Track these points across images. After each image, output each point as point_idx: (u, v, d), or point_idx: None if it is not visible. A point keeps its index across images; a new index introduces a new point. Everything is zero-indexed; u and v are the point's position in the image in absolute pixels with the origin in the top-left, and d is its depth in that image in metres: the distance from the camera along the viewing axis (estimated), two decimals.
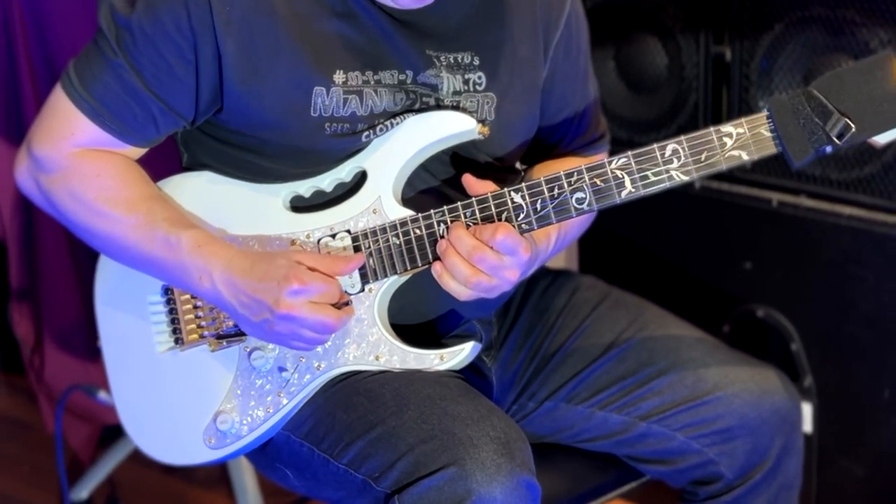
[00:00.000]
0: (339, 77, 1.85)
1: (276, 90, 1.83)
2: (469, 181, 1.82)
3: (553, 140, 2.08)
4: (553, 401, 2.05)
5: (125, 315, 1.97)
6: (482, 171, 1.92)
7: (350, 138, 1.87)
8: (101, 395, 2.64)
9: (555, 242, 1.96)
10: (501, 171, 1.99)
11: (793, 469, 2.02)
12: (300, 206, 1.90)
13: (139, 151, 1.91)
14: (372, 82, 1.86)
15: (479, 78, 1.93)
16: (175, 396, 1.94)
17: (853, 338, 2.55)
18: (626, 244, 2.91)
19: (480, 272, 1.78)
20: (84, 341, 2.92)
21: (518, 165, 2.07)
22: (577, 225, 2.03)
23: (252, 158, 1.90)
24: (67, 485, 2.63)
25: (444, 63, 1.90)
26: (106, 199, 1.86)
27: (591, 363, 2.04)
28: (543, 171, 2.02)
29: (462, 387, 1.87)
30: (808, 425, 2.62)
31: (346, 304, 1.84)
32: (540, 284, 2.14)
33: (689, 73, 2.72)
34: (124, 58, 1.82)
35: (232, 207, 1.91)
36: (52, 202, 1.90)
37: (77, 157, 1.87)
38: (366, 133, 1.88)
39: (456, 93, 1.91)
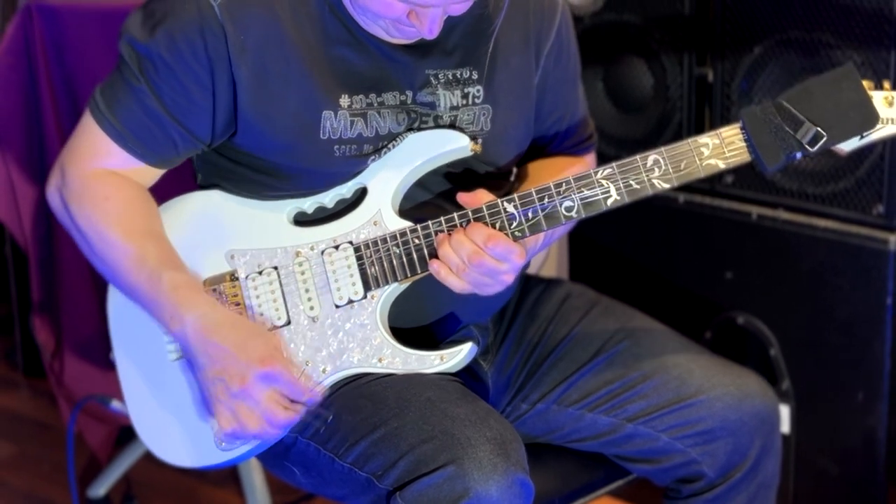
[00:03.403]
0: (344, 101, 1.85)
1: (286, 114, 1.83)
2: (463, 199, 1.83)
3: (545, 141, 2.08)
4: (545, 403, 2.04)
5: (137, 326, 1.96)
6: (479, 180, 1.93)
7: (357, 160, 1.88)
8: (114, 404, 2.64)
9: (542, 239, 1.96)
10: (497, 179, 1.99)
11: (771, 468, 2.01)
12: (303, 220, 1.90)
13: (160, 171, 1.91)
14: (375, 104, 1.87)
15: (478, 91, 1.93)
16: (187, 402, 1.93)
17: (829, 343, 2.55)
18: (615, 255, 2.90)
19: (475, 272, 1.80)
20: (101, 347, 2.90)
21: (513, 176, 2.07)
22: (562, 225, 2.03)
23: (263, 179, 1.90)
24: (77, 488, 2.62)
25: (441, 80, 1.90)
26: (108, 223, 1.86)
27: (580, 367, 2.03)
28: (536, 171, 2.04)
29: (460, 390, 1.86)
30: (786, 426, 2.61)
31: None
32: (533, 292, 2.14)
33: (673, 94, 2.72)
34: (146, 84, 1.83)
35: (239, 222, 1.91)
36: (73, 218, 1.90)
37: (91, 179, 1.87)
38: (371, 156, 1.88)
39: (453, 108, 1.91)
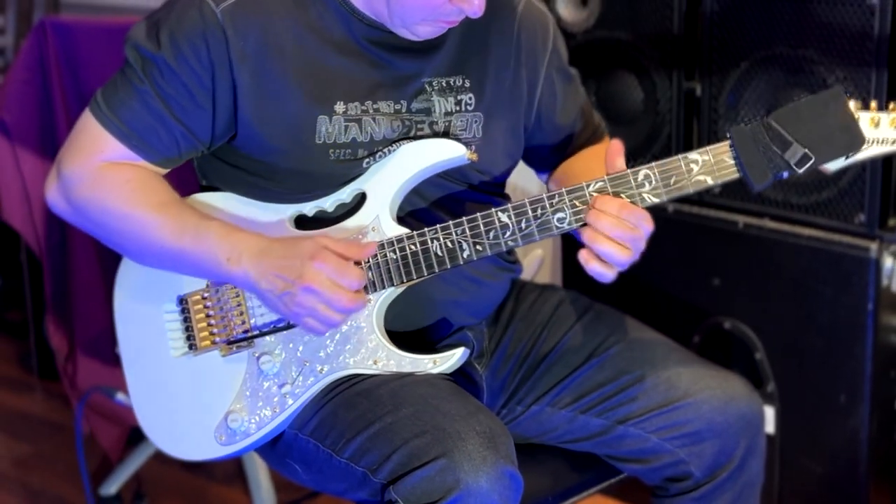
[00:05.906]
0: (339, 107, 1.85)
1: (283, 118, 1.84)
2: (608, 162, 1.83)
3: (570, 140, 2.10)
4: (539, 405, 2.04)
5: (142, 323, 1.97)
6: (473, 189, 1.94)
7: (352, 164, 1.88)
8: (119, 396, 2.64)
9: None
10: (491, 188, 1.99)
11: (756, 469, 2.01)
12: (304, 224, 1.90)
13: (161, 171, 1.91)
14: (370, 111, 1.87)
15: (470, 99, 1.93)
16: (189, 397, 1.94)
17: (812, 347, 2.55)
18: None
19: (623, 247, 1.79)
20: (112, 350, 2.92)
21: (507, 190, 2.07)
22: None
23: (262, 183, 1.90)
24: (90, 478, 2.62)
25: (435, 87, 1.90)
26: (136, 202, 1.86)
27: (573, 371, 2.03)
28: (569, 168, 2.07)
29: (452, 388, 1.87)
30: (771, 427, 2.61)
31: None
32: (528, 298, 2.14)
33: (663, 107, 2.71)
34: (150, 86, 1.83)
35: (241, 223, 1.90)
36: (84, 213, 1.89)
37: (105, 168, 1.87)
38: (366, 160, 1.88)
39: (447, 114, 1.92)
